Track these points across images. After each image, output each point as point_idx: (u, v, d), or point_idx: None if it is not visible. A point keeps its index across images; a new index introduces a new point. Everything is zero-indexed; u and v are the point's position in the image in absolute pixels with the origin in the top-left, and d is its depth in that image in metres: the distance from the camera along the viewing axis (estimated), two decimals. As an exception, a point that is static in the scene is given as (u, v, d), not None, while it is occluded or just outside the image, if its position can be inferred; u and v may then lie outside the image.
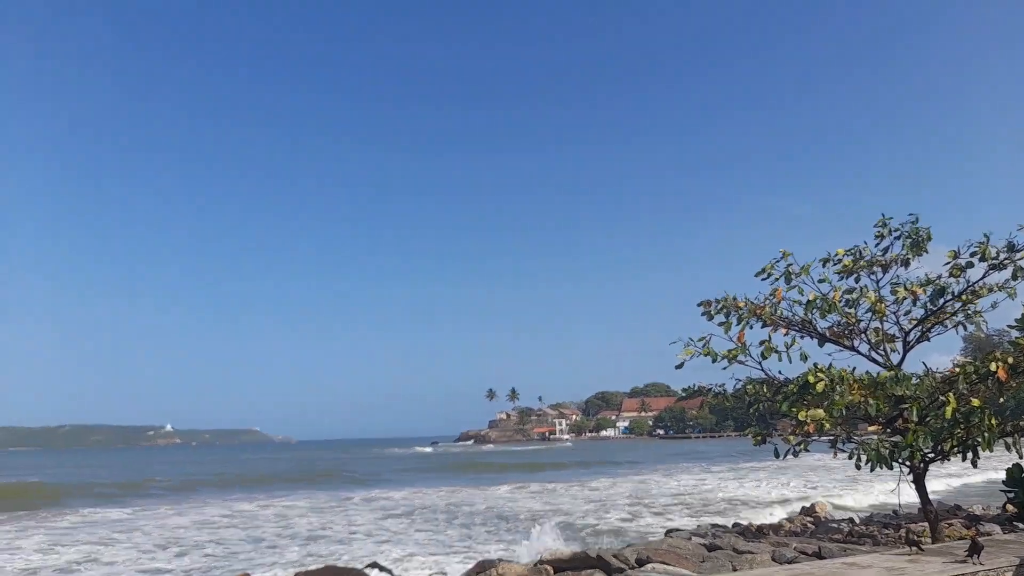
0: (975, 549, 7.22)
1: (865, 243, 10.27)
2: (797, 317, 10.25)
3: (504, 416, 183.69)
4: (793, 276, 10.26)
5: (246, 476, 48.23)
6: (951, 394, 8.63)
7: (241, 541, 17.80)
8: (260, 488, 37.18)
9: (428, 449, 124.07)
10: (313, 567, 12.80)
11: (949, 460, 9.52)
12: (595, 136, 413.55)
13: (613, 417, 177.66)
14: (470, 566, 11.96)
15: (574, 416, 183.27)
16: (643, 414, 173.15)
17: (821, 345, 10.27)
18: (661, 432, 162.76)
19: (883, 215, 10.18)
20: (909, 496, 10.27)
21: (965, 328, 9.96)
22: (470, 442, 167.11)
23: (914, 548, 8.09)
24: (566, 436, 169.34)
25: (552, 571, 10.05)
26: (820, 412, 8.73)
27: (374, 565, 12.88)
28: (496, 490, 32.12)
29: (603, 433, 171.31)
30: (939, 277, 9.79)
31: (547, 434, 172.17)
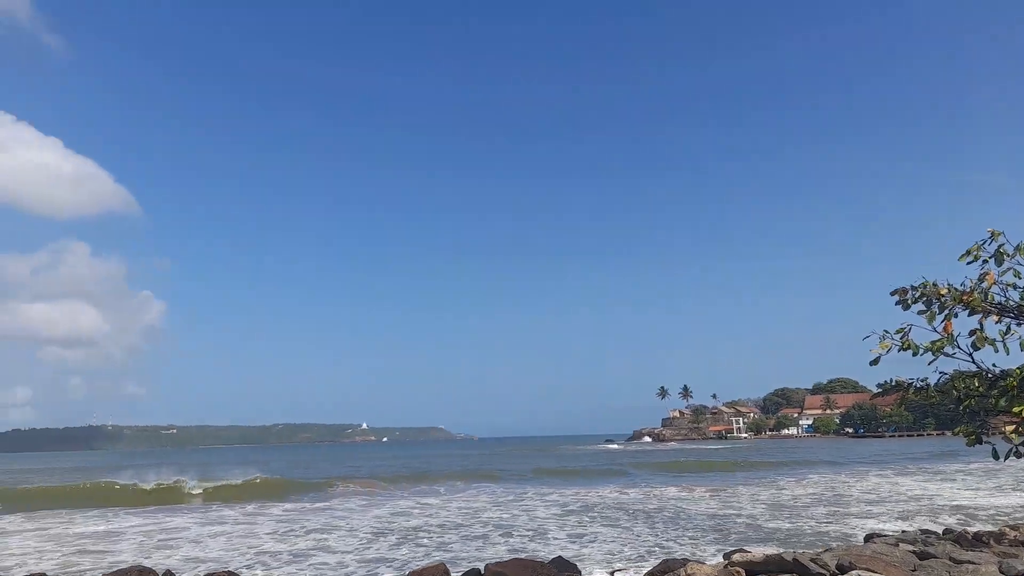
0: None
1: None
2: (1012, 302, 9.37)
3: (677, 414, 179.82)
4: (1006, 257, 9.38)
5: (431, 472, 51.07)
6: None
7: (445, 532, 19.06)
8: (445, 482, 39.27)
9: (616, 446, 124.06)
10: (503, 560, 13.60)
11: None
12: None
13: (795, 415, 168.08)
14: (653, 564, 12.05)
15: (751, 414, 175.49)
16: (828, 412, 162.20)
17: (1044, 333, 9.29)
18: (850, 431, 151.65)
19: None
20: None
21: None
22: (647, 440, 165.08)
23: None
24: (744, 435, 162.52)
25: (744, 574, 9.92)
26: (1048, 407, 7.95)
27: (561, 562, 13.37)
28: (672, 489, 31.73)
29: (784, 432, 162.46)
30: None
31: (724, 432, 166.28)
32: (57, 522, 24.59)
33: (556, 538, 17.84)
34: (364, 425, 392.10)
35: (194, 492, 33.22)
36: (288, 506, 28.24)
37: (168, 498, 31.94)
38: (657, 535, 18.00)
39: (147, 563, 14.44)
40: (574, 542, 17.07)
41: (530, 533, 18.88)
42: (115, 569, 13.46)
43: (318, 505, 28.58)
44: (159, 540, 19.40)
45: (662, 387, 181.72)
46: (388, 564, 14.89)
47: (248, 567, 14.65)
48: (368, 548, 16.93)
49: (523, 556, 14.47)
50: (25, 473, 62.18)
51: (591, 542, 17.01)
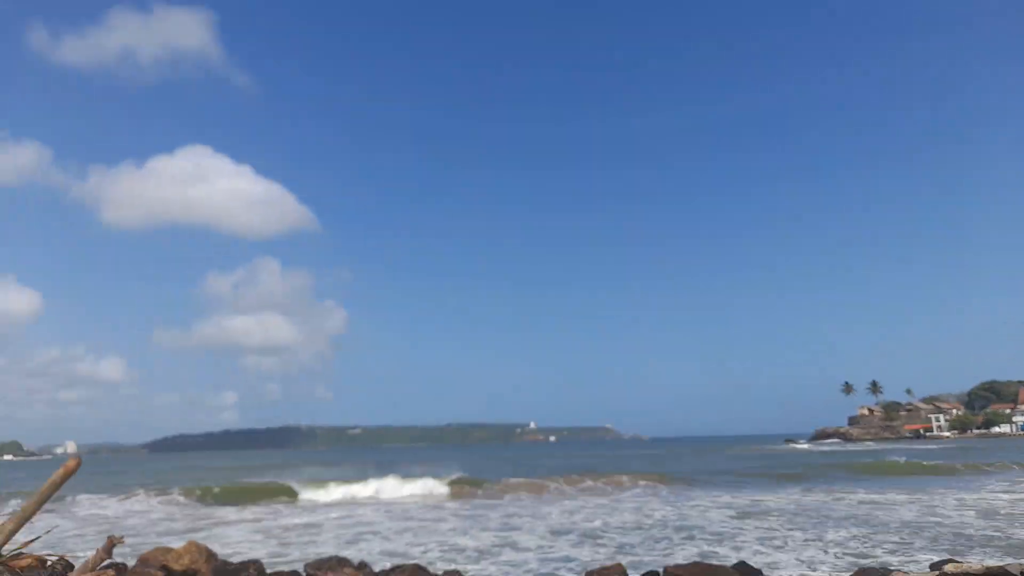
0: None
1: None
2: None
3: (866, 411, 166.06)
4: None
5: (602, 472, 50.88)
6: None
7: (625, 532, 18.92)
8: (616, 483, 38.95)
9: (803, 445, 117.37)
10: (682, 563, 13.22)
11: None
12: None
13: (1008, 410, 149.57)
14: (851, 573, 11.20)
15: (954, 410, 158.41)
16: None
17: None
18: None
19: None
20: None
21: None
22: (834, 440, 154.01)
23: None
24: (946, 433, 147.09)
25: (960, 586, 8.91)
26: None
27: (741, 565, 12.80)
28: (860, 493, 29.33)
29: (995, 430, 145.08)
30: None
31: (921, 431, 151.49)
32: (266, 513, 27.28)
33: (742, 542, 17.10)
34: (533, 425, 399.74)
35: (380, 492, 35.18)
36: (469, 503, 29.35)
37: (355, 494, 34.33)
38: (849, 541, 16.71)
39: (344, 554, 15.56)
40: (760, 547, 16.27)
41: (713, 537, 18.24)
42: (317, 559, 14.66)
43: (496, 502, 29.46)
44: (354, 533, 20.89)
45: (846, 382, 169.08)
46: (571, 563, 15.00)
47: (434, 562, 15.34)
48: (551, 547, 17.14)
49: (706, 560, 14.00)
50: (240, 469, 69.42)
51: (778, 548, 16.12)
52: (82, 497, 32.07)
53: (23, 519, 3.01)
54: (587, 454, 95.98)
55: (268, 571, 14.14)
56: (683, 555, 15.46)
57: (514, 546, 17.33)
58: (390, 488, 34.49)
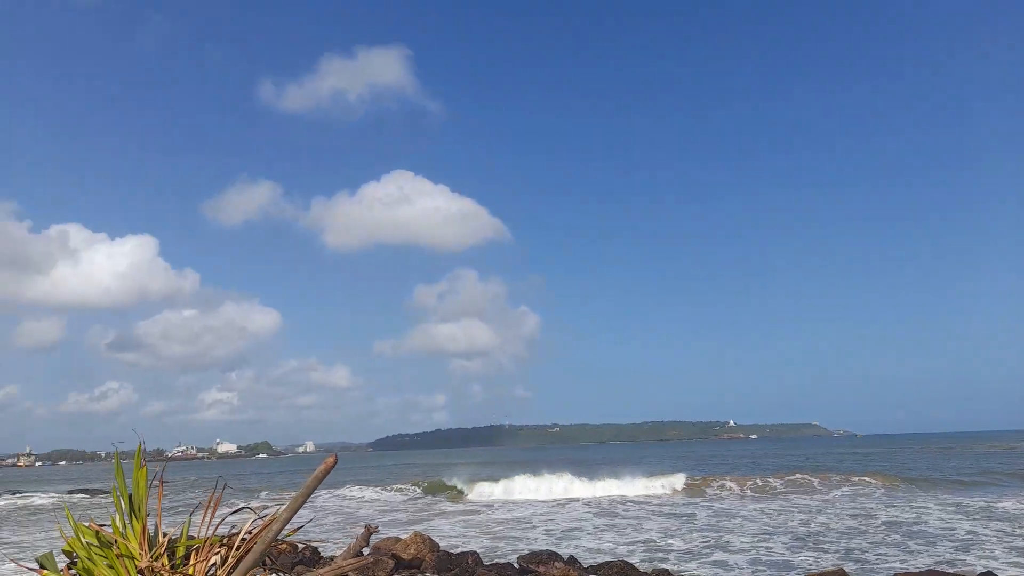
0: None
1: None
2: None
3: None
4: None
5: (808, 469, 47.69)
6: None
7: (850, 536, 17.66)
8: (825, 481, 36.21)
9: None
10: (914, 571, 12.06)
11: None
12: None
13: None
14: None
15: None
16: None
17: None
18: None
19: None
20: None
21: None
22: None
23: None
24: None
25: None
26: None
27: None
28: None
29: None
30: None
31: None
32: (479, 506, 28.76)
33: (988, 550, 15.22)
34: (731, 422, 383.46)
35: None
36: (672, 501, 28.90)
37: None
38: None
39: (553, 549, 15.99)
40: (1016, 557, 14.37)
41: (951, 543, 16.42)
42: (529, 552, 15.20)
43: (700, 500, 28.72)
44: (562, 529, 21.39)
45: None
46: (788, 565, 14.25)
47: (641, 561, 15.28)
48: (764, 548, 16.40)
49: (947, 569, 12.64)
50: (458, 465, 73.64)
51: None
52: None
53: (294, 509, 3.46)
54: (790, 452, 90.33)
55: (485, 562, 14.92)
56: (917, 563, 14.07)
57: (725, 547, 16.78)
58: (598, 487, 34.82)
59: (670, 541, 18.10)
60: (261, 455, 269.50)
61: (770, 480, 35.50)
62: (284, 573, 5.03)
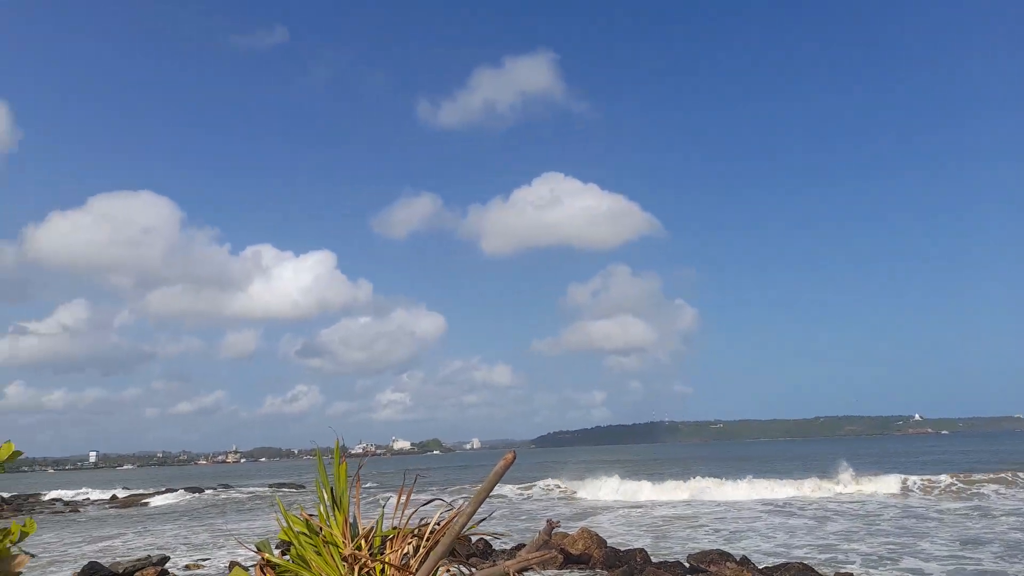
0: None
1: None
2: None
3: None
4: None
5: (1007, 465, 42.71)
6: None
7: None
8: None
9: None
10: None
11: None
12: None
13: None
14: None
15: None
16: None
17: None
18: None
19: None
20: None
21: None
22: None
23: None
24: None
25: None
26: None
27: None
28: None
29: None
30: None
31: None
32: (641, 503, 28.56)
33: None
34: (917, 416, 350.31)
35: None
36: (848, 502, 27.12)
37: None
38: None
39: (724, 548, 15.58)
40: None
41: None
42: (699, 551, 14.93)
43: (882, 501, 26.72)
44: (731, 529, 20.77)
45: None
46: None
47: (821, 564, 14.53)
48: (963, 558, 14.91)
49: None
50: (626, 462, 73.48)
51: None
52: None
53: (478, 502, 3.73)
54: (993, 447, 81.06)
55: (653, 560, 14.84)
56: None
57: (915, 553, 15.52)
58: (762, 486, 33.37)
59: (853, 545, 17.03)
60: (434, 451, 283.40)
61: (973, 476, 32.11)
62: (469, 564, 5.36)
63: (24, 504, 48.63)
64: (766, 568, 13.74)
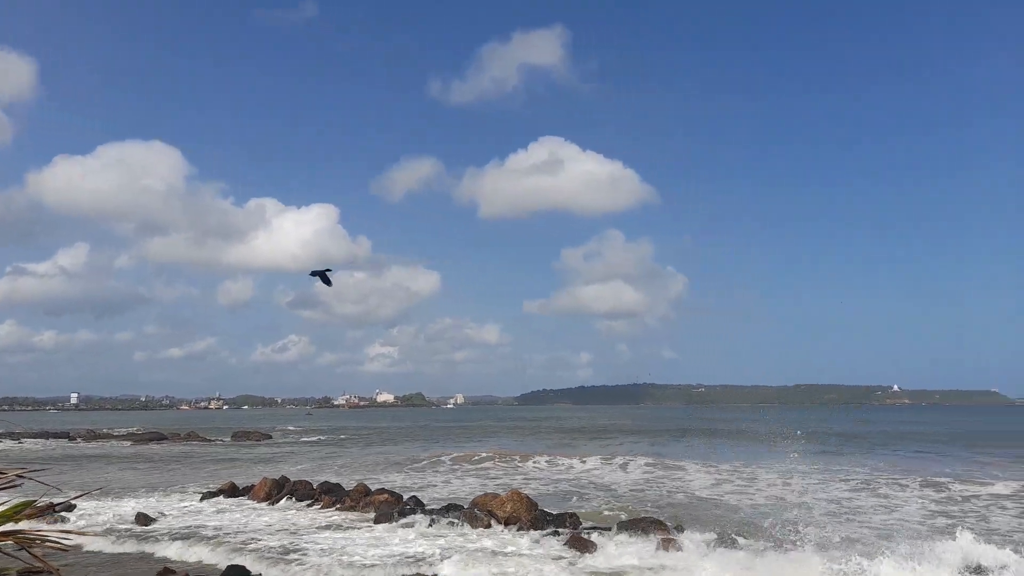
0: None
1: None
2: None
3: None
4: None
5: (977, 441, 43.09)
6: None
7: None
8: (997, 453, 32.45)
9: None
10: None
11: None
12: None
13: None
14: None
15: None
16: None
17: None
18: None
19: None
20: None
21: None
22: None
23: None
24: None
25: None
26: None
27: None
28: None
29: None
30: None
31: None
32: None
33: None
34: (896, 387, 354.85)
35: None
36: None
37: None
38: None
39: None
40: None
41: None
42: (632, 518, 14.68)
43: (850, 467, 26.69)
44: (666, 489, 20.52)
45: None
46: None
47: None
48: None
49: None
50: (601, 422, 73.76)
51: None
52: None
53: None
54: (963, 420, 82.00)
55: (583, 523, 14.66)
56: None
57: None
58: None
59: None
60: (417, 406, 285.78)
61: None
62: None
63: None
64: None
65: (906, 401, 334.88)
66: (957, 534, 11.82)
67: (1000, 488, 20.60)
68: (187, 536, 14.04)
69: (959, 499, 19.30)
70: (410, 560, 11.86)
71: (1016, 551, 11.48)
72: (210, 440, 52.11)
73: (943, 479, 22.64)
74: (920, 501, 19.04)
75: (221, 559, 12.40)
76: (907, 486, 21.52)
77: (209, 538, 13.85)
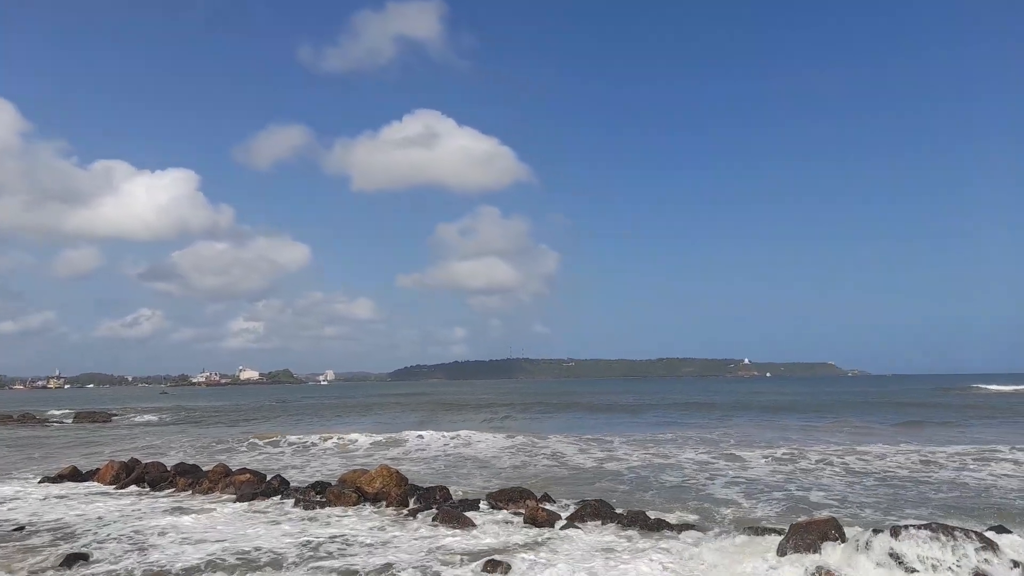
0: None
1: None
2: None
3: None
4: None
5: (825, 409, 47.35)
6: None
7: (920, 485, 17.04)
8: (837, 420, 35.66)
9: None
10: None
11: None
12: None
13: None
14: None
15: None
16: None
17: None
18: None
19: None
20: None
21: None
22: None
23: None
24: None
25: None
26: None
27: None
28: None
29: None
30: None
31: None
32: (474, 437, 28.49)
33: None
34: (746, 360, 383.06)
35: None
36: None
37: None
38: None
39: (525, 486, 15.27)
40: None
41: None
42: (499, 489, 14.72)
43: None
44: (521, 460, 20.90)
45: None
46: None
47: (620, 501, 14.71)
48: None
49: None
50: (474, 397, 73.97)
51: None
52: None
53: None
54: (808, 392, 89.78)
55: (454, 498, 14.53)
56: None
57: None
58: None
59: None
60: (284, 383, 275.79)
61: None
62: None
63: None
64: (567, 504, 13.86)
65: (755, 373, 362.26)
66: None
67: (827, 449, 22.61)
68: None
69: (787, 460, 20.92)
70: (266, 548, 11.20)
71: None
72: (48, 422, 47.67)
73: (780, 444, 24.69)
74: (762, 461, 20.54)
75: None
76: (750, 449, 23.25)
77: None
